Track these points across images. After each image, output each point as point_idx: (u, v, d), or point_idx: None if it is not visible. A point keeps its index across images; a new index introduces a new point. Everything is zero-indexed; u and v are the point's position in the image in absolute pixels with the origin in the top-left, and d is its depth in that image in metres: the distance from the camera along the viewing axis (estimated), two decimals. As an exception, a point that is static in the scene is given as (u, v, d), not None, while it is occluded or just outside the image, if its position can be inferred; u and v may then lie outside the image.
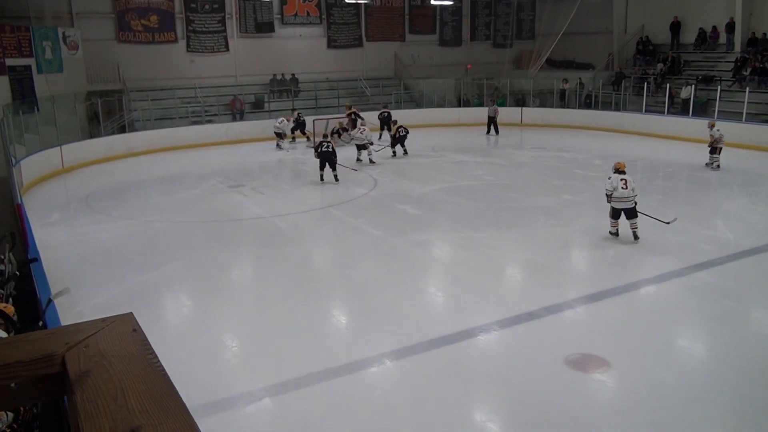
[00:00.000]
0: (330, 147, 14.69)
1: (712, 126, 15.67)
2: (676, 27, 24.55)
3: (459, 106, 26.12)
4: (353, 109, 21.03)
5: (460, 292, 8.46)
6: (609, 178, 10.02)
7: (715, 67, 22.74)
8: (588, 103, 24.66)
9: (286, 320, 7.58)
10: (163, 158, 18.94)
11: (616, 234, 10.11)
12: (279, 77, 24.65)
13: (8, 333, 4.91)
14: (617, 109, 23.29)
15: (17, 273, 6.40)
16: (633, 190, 9.78)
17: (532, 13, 30.20)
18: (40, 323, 5.32)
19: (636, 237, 9.89)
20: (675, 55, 23.84)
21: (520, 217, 11.76)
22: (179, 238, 11.03)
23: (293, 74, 24.69)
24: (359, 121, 19.37)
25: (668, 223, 10.39)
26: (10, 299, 5.88)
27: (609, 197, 9.92)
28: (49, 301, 5.59)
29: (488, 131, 22.24)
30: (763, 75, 20.53)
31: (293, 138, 20.52)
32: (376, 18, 27.02)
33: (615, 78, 24.59)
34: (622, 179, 9.84)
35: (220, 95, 22.86)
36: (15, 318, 5.11)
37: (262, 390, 6.00)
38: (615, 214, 9.99)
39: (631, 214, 9.83)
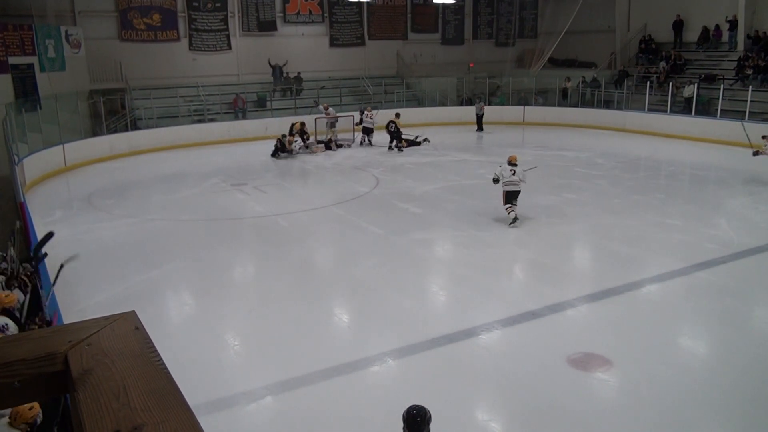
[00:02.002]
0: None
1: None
2: (678, 25, 24.49)
3: (461, 104, 26.09)
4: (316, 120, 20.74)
5: (462, 290, 8.46)
6: (500, 166, 11.31)
7: (718, 66, 22.68)
8: (590, 101, 24.61)
9: (288, 319, 7.58)
10: (165, 157, 18.95)
11: (516, 218, 11.04)
12: (285, 75, 24.55)
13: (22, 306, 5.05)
14: (620, 108, 23.25)
15: (30, 266, 6.42)
16: (519, 178, 11.06)
17: (535, 12, 30.15)
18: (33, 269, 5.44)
19: (515, 221, 11.06)
20: (678, 54, 23.78)
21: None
22: (181, 237, 11.04)
23: (299, 73, 24.66)
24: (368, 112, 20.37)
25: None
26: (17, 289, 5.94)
27: (496, 181, 11.21)
28: (61, 266, 5.71)
29: (479, 129, 22.69)
30: (766, 73, 20.46)
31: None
32: (378, 16, 27.00)
33: (618, 77, 24.55)
34: (511, 169, 11.15)
35: (223, 94, 22.83)
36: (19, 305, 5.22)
37: (264, 388, 6.01)
38: (507, 198, 11.11)
39: (516, 197, 11.10)
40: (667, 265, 9.00)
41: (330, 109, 20.74)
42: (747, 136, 14.77)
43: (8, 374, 0.98)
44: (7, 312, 5.31)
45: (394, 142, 19.02)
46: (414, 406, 3.67)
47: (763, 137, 14.13)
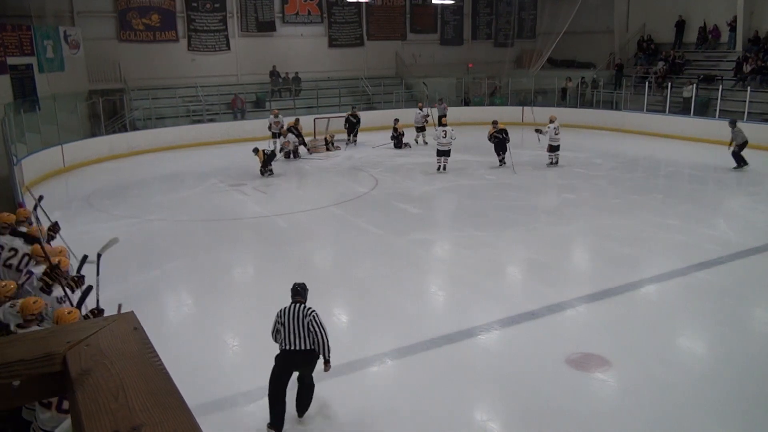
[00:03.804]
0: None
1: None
2: (681, 25, 24.49)
3: (460, 105, 26.09)
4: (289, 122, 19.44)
5: (461, 291, 8.46)
6: (436, 130, 15.58)
7: (717, 66, 22.70)
8: (589, 102, 24.61)
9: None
10: (164, 157, 18.94)
11: (442, 169, 15.38)
12: (283, 76, 24.54)
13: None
14: (618, 108, 23.25)
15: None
16: (450, 138, 15.05)
17: (534, 12, 30.16)
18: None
19: (444, 169, 15.39)
20: (677, 54, 23.79)
21: (521, 216, 11.75)
22: (180, 237, 11.04)
23: (296, 73, 24.65)
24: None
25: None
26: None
27: (437, 141, 15.26)
28: (99, 256, 5.81)
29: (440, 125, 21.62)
30: (765, 74, 20.48)
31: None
32: (377, 17, 27.00)
33: (615, 73, 24.55)
34: (443, 131, 15.14)
35: (221, 94, 22.84)
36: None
37: (263, 389, 5.99)
38: (439, 153, 15.36)
39: (447, 154, 15.29)
40: (665, 266, 9.01)
41: (279, 116, 19.44)
42: (534, 117, 18.36)
43: (7, 374, 0.98)
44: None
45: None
46: (297, 282, 5.91)
47: (551, 120, 15.87)
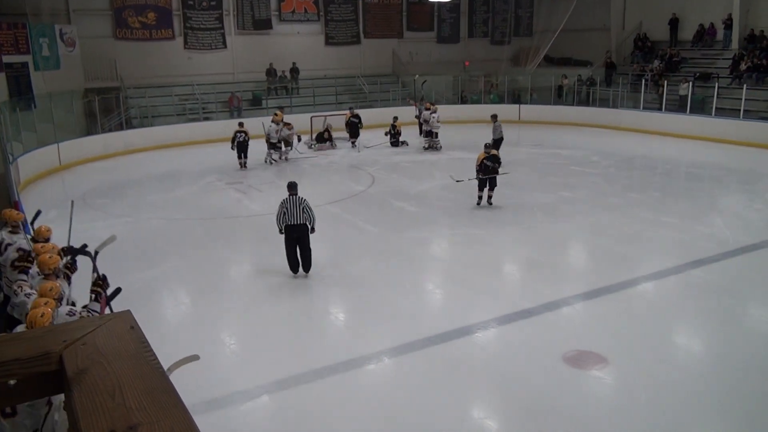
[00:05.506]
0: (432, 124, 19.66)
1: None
2: (675, 23, 24.53)
3: (457, 103, 26.09)
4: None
5: (458, 289, 8.47)
6: (426, 114, 18.31)
7: (713, 64, 22.73)
8: (586, 100, 24.62)
9: (284, 317, 7.58)
10: (160, 155, 18.91)
11: (428, 147, 18.37)
12: (279, 74, 24.49)
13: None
14: (614, 106, 23.28)
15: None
16: (437, 122, 18.10)
17: (530, 10, 30.16)
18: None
19: (427, 147, 18.46)
20: (673, 52, 23.81)
21: (517, 214, 11.76)
22: (177, 236, 11.02)
23: (294, 63, 24.55)
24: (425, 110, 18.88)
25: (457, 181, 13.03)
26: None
27: (421, 125, 18.71)
28: (96, 253, 5.83)
29: (422, 133, 19.63)
30: (761, 72, 20.52)
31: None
32: (373, 15, 26.98)
33: (606, 70, 24.59)
34: (433, 114, 17.94)
35: (218, 92, 22.81)
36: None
37: (260, 387, 6.00)
38: (426, 134, 18.41)
39: (431, 134, 18.33)
40: (662, 263, 9.02)
41: (281, 123, 17.30)
42: (416, 108, 20.21)
43: (3, 374, 0.97)
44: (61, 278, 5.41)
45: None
46: (290, 180, 8.78)
47: (430, 105, 18.80)
